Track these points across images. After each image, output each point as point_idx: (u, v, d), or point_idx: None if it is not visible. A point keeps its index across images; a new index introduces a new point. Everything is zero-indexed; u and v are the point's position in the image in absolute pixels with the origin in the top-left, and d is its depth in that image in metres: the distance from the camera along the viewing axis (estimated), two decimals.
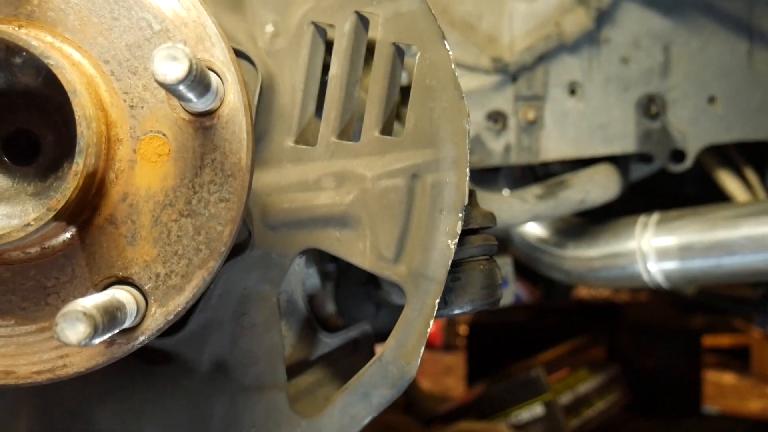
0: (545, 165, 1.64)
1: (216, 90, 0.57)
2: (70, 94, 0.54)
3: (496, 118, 1.58)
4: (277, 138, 0.77)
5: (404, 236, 0.75)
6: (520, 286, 2.55)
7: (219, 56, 0.59)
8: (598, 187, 1.56)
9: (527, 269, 1.84)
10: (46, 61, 0.54)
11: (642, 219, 1.58)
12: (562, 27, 1.51)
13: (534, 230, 1.73)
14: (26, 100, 0.60)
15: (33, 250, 0.57)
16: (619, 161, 1.59)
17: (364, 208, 0.76)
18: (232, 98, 0.59)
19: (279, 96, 0.78)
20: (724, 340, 3.54)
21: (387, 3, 0.77)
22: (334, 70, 0.78)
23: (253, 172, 0.59)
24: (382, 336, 1.22)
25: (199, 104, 0.56)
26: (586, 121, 1.54)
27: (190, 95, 0.53)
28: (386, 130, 0.78)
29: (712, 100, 1.52)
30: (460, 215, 0.75)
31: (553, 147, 1.56)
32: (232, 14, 0.78)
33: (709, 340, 3.18)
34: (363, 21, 0.79)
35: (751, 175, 1.63)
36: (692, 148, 1.52)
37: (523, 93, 1.57)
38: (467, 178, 0.76)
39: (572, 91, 1.55)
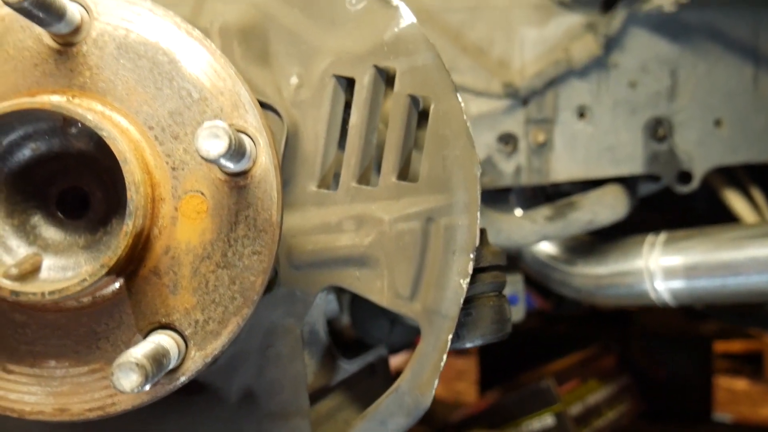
0: (555, 184, 1.69)
1: (249, 153, 0.63)
2: (121, 163, 0.60)
3: (507, 140, 1.63)
4: (301, 183, 0.83)
5: (419, 276, 0.81)
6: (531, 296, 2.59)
7: (252, 122, 0.66)
8: (607, 208, 1.60)
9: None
10: (99, 132, 0.60)
11: (650, 238, 1.63)
12: (571, 53, 1.56)
13: (544, 247, 1.77)
14: (78, 161, 0.66)
15: (86, 300, 0.63)
16: (627, 181, 1.64)
17: (382, 250, 0.82)
18: (263, 160, 0.65)
19: (303, 143, 0.84)
20: (736, 346, 3.56)
21: (403, 58, 0.83)
22: (354, 119, 0.84)
23: (282, 226, 0.65)
24: (396, 350, 1.27)
25: (235, 167, 0.62)
26: (595, 143, 1.59)
27: (229, 164, 0.59)
28: (402, 175, 0.83)
29: (718, 123, 1.56)
30: (472, 256, 0.81)
31: (563, 168, 1.61)
32: (260, 67, 0.84)
33: (721, 346, 3.19)
34: (380, 73, 0.85)
35: (758, 195, 1.67)
36: (699, 169, 1.56)
37: (534, 116, 1.62)
38: (478, 222, 0.81)
39: (581, 114, 1.59)
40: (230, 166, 0.60)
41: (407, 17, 0.84)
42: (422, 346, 0.80)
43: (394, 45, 0.83)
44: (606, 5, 1.55)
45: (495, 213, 1.62)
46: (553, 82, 1.59)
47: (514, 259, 1.78)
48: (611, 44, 1.55)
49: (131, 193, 0.60)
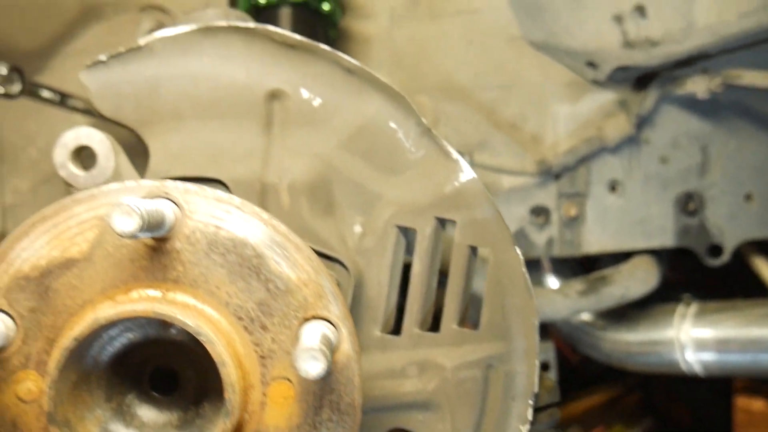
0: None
1: (332, 342, 0.67)
2: (218, 365, 0.64)
3: (539, 212, 1.67)
4: (365, 328, 0.87)
5: (480, 421, 0.85)
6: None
7: (335, 311, 0.70)
8: (639, 281, 1.63)
9: None
10: (198, 337, 0.64)
11: (680, 309, 1.66)
12: (604, 131, 1.59)
13: None
14: (170, 345, 0.70)
15: None
16: (657, 252, 1.67)
17: (445, 396, 0.86)
18: (345, 347, 0.69)
19: (366, 289, 0.88)
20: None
21: (464, 210, 0.87)
22: (416, 268, 0.88)
23: (361, 408, 0.69)
24: None
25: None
26: (626, 216, 1.62)
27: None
28: (462, 321, 0.87)
29: (748, 197, 1.59)
30: (530, 402, 0.85)
31: (595, 240, 1.64)
32: (324, 218, 0.88)
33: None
34: (440, 223, 0.88)
35: None
36: (729, 243, 1.59)
37: (566, 190, 1.65)
38: (537, 368, 0.85)
39: (613, 188, 1.63)
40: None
41: (467, 172, 0.87)
42: None
43: (455, 198, 0.87)
44: (638, 83, 1.58)
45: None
46: (586, 158, 1.62)
47: (545, 325, 1.82)
48: (643, 122, 1.58)
49: (228, 394, 0.64)
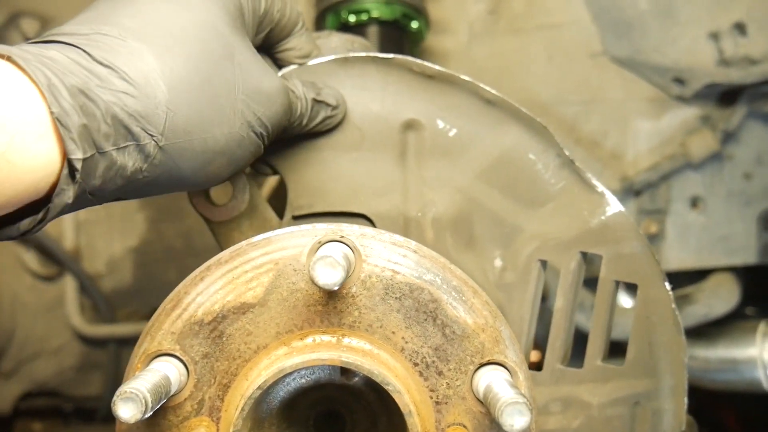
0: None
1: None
2: (405, 415, 0.63)
3: None
4: None
5: None
6: None
7: (512, 357, 0.68)
8: (721, 300, 1.61)
9: None
10: (385, 387, 0.63)
11: (762, 327, 1.63)
12: (688, 148, 1.56)
13: None
14: (341, 389, 0.69)
15: None
16: (737, 269, 1.65)
17: None
18: (524, 393, 0.68)
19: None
20: None
21: (611, 245, 0.85)
22: (559, 303, 0.86)
23: None
24: None
25: None
26: (707, 233, 1.60)
27: None
28: (605, 356, 0.86)
29: None
30: None
31: (675, 257, 1.62)
32: (466, 252, 0.87)
33: None
34: (584, 257, 0.87)
35: None
36: None
37: (646, 207, 1.63)
38: (685, 406, 0.84)
39: (694, 205, 1.60)
40: None
41: (614, 205, 0.86)
42: None
43: (601, 233, 0.86)
44: (722, 99, 1.56)
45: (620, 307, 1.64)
46: (668, 175, 1.60)
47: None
48: (728, 137, 1.56)
49: None
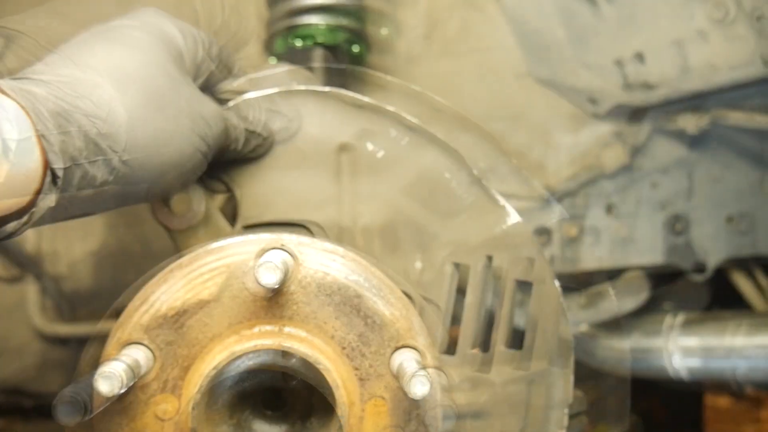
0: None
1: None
2: (333, 389, 0.79)
3: (542, 233, 1.83)
4: None
5: (525, 427, 1.01)
6: None
7: (421, 341, 0.85)
8: (631, 296, 1.81)
9: None
10: (317, 365, 0.78)
11: (668, 319, 1.83)
12: (602, 160, 1.75)
13: None
14: (284, 370, 0.84)
15: None
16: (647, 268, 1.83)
17: (494, 406, 1.01)
18: (430, 372, 0.84)
19: (426, 316, 1.02)
20: None
21: (511, 249, 1.02)
22: (469, 298, 1.03)
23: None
24: None
25: None
26: (620, 236, 1.79)
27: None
28: (508, 343, 1.03)
29: (730, 219, 1.76)
30: (566, 410, 1.01)
31: (592, 258, 1.80)
32: (391, 256, 1.03)
33: None
34: (490, 260, 1.04)
35: (762, 279, 1.89)
36: (712, 261, 1.77)
37: (567, 212, 1.82)
38: (572, 382, 1.01)
39: (608, 211, 1.79)
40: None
41: (513, 216, 1.03)
42: None
43: (503, 239, 1.03)
44: (633, 116, 1.74)
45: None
46: (585, 184, 1.78)
47: None
48: (637, 151, 1.75)
49: (341, 411, 0.79)
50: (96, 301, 1.95)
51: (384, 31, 1.60)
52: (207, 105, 0.93)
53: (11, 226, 0.73)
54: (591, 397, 2.72)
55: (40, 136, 0.70)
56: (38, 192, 0.72)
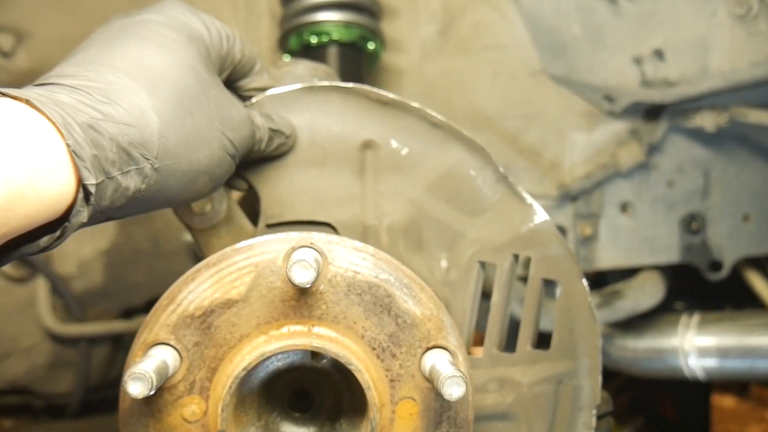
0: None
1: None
2: (365, 390, 0.77)
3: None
4: None
5: (552, 428, 0.99)
6: None
7: (453, 341, 0.83)
8: (647, 295, 1.79)
9: None
10: (348, 366, 0.77)
11: (684, 319, 1.82)
12: (617, 158, 1.74)
13: None
14: (310, 371, 0.83)
15: None
16: (663, 267, 1.82)
17: (521, 407, 0.99)
18: (462, 371, 0.82)
19: (452, 316, 1.01)
20: None
21: (538, 248, 1.00)
22: (495, 297, 1.01)
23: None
24: None
25: None
26: (635, 235, 1.77)
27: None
28: (534, 343, 1.01)
29: (746, 218, 1.75)
30: (594, 412, 0.99)
31: (607, 257, 1.79)
32: (416, 254, 1.01)
33: None
34: (516, 259, 1.02)
35: None
36: (728, 259, 1.76)
37: (581, 211, 1.80)
38: (600, 383, 0.99)
39: (624, 209, 1.78)
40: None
41: (541, 214, 1.01)
42: None
43: (530, 238, 1.01)
44: (648, 114, 1.73)
45: (548, 300, 1.80)
46: (600, 182, 1.77)
47: None
48: (652, 149, 1.73)
49: (373, 413, 0.77)
50: (106, 301, 1.94)
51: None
52: (235, 107, 0.90)
53: (44, 241, 0.71)
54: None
55: (72, 153, 0.69)
56: (71, 208, 0.71)
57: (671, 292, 1.95)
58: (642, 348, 1.88)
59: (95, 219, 0.75)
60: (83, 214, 0.71)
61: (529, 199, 1.02)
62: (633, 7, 1.53)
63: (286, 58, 1.62)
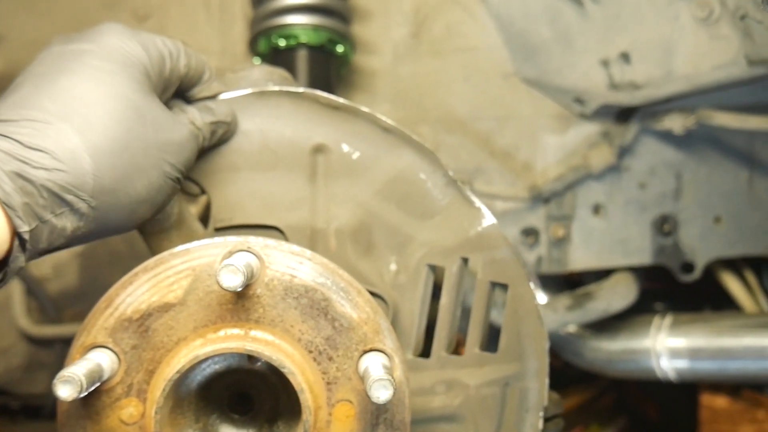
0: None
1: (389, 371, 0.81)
2: (298, 392, 0.78)
3: (529, 233, 1.82)
4: None
5: (498, 431, 1.00)
6: None
7: (389, 344, 0.84)
8: (619, 296, 1.80)
9: None
10: (282, 369, 0.78)
11: (656, 321, 1.83)
12: (589, 160, 1.74)
13: None
14: (249, 374, 0.83)
15: None
16: (635, 269, 1.83)
17: (468, 409, 1.00)
18: (398, 374, 0.83)
19: (401, 319, 1.02)
20: None
21: (486, 251, 1.01)
22: (444, 300, 1.02)
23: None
24: None
25: None
26: (608, 237, 1.78)
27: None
28: (482, 346, 1.02)
29: (717, 220, 1.76)
30: (541, 414, 1.00)
31: (579, 259, 1.80)
32: (365, 258, 1.02)
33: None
34: (465, 262, 1.03)
35: (751, 278, 1.88)
36: (700, 261, 1.76)
37: (554, 213, 1.81)
38: (547, 384, 1.00)
39: (596, 211, 1.78)
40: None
41: (489, 218, 1.02)
42: None
43: (478, 241, 1.02)
44: (620, 117, 1.74)
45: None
46: (572, 184, 1.78)
47: None
48: (624, 151, 1.74)
49: (306, 415, 0.78)
50: (81, 302, 1.95)
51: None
52: (177, 128, 0.90)
53: None
54: (583, 398, 2.71)
55: (2, 204, 0.70)
56: (7, 256, 0.72)
57: (652, 293, 1.96)
58: (615, 349, 1.89)
59: (39, 256, 0.77)
60: (20, 259, 0.74)
61: (478, 203, 1.03)
62: (599, 9, 1.54)
63: (257, 61, 1.63)
